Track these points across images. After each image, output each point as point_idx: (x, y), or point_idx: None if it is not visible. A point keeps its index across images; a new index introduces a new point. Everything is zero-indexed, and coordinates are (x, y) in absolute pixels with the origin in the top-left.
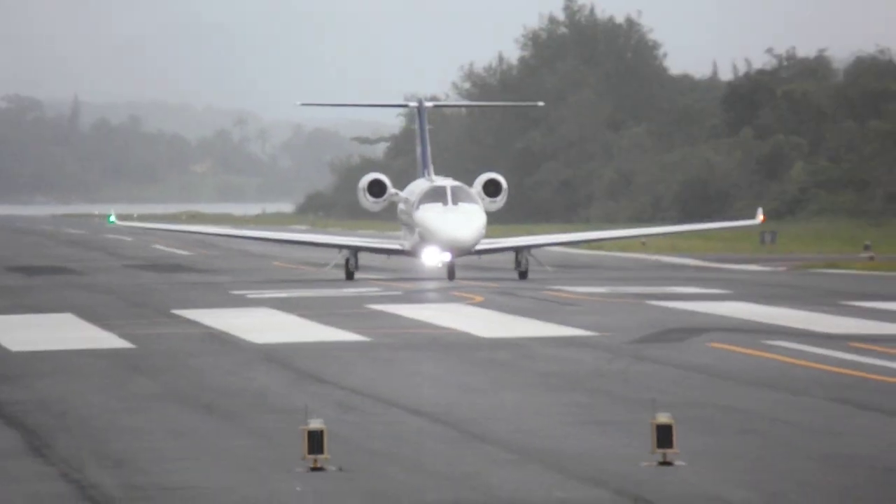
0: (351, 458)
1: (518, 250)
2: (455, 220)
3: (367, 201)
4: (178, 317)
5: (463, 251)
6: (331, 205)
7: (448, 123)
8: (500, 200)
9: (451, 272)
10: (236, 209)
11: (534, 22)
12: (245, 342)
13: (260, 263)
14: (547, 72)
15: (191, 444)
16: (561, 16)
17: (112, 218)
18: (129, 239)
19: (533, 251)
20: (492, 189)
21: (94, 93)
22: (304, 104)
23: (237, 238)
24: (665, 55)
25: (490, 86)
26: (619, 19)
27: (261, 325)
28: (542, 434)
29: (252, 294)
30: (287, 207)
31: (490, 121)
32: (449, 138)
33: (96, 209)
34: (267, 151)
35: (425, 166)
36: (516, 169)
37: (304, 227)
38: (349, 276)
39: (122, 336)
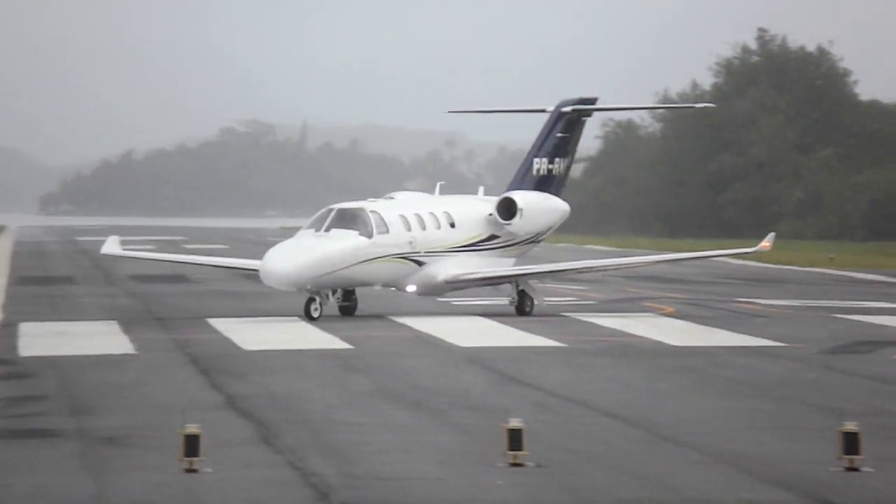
0: (548, 456)
1: (508, 282)
2: (290, 248)
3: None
4: (392, 321)
5: (284, 285)
6: None
7: (643, 145)
8: (517, 223)
9: (307, 309)
10: None
11: (727, 51)
12: (451, 345)
13: None
14: (738, 98)
15: (402, 438)
16: (753, 45)
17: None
18: None
19: (531, 282)
20: (505, 213)
21: (320, 118)
22: (451, 111)
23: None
24: (856, 83)
25: (684, 111)
26: (811, 48)
27: (465, 329)
28: (730, 438)
29: (457, 301)
30: None
31: (683, 143)
32: (644, 158)
33: None
34: (473, 170)
35: (520, 178)
36: (708, 188)
37: None
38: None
39: (342, 338)
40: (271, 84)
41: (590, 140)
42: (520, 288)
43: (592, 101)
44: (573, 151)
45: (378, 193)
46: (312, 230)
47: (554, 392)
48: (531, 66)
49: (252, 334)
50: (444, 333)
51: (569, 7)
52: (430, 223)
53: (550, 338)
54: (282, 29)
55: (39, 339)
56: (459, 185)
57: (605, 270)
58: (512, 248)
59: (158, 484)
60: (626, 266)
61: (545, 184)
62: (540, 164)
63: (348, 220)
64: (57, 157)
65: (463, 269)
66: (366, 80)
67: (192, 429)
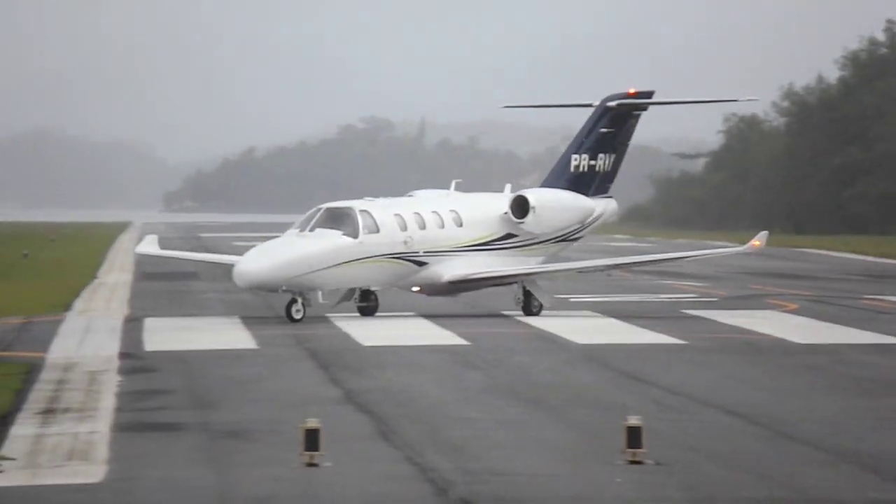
0: (668, 454)
1: (510, 282)
2: (267, 248)
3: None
4: (510, 318)
5: (254, 285)
6: (649, 217)
7: (767, 139)
8: (531, 221)
9: (287, 310)
10: None
11: (854, 43)
12: (568, 342)
13: None
14: (865, 90)
15: (519, 435)
16: (881, 37)
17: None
18: None
19: (540, 282)
20: (518, 211)
21: (439, 115)
22: (506, 106)
23: None
24: None
25: (809, 104)
26: None
27: (584, 326)
28: (855, 436)
29: (574, 298)
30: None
31: (807, 138)
32: (768, 152)
33: None
34: None
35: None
36: (833, 182)
37: (624, 237)
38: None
39: (460, 335)
40: (390, 81)
41: (711, 135)
42: (526, 288)
43: (648, 94)
44: (622, 147)
45: (494, 188)
46: (298, 230)
47: (673, 389)
48: (652, 60)
49: (371, 330)
50: (561, 330)
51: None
52: (432, 222)
53: (670, 335)
54: (402, 26)
55: (164, 334)
56: None
57: (608, 269)
58: (534, 247)
59: (279, 478)
60: (626, 265)
61: (585, 181)
62: (579, 161)
63: (335, 219)
64: (180, 155)
65: (470, 269)
66: (485, 75)
67: (312, 423)
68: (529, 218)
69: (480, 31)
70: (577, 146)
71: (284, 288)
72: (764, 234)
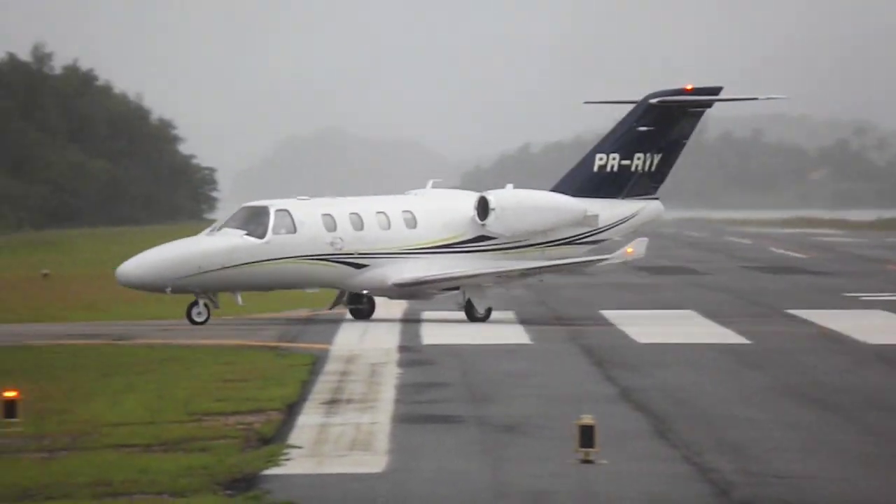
0: None
1: (451, 286)
2: (158, 248)
3: None
4: (793, 316)
5: (131, 285)
6: None
7: None
8: (490, 221)
9: (188, 312)
10: (850, 215)
11: None
12: (858, 342)
13: (874, 267)
14: None
15: (804, 437)
16: None
17: None
18: (747, 242)
19: (486, 287)
20: (483, 213)
21: (723, 108)
22: (587, 102)
23: None
24: None
25: None
26: None
27: (874, 326)
28: None
29: (866, 296)
30: None
31: None
32: None
33: (716, 214)
34: (885, 159)
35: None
36: None
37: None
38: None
39: (739, 332)
40: (667, 70)
41: None
42: (467, 296)
43: (714, 91)
44: (673, 147)
45: (778, 184)
46: (207, 230)
47: None
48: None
49: (645, 327)
50: (850, 330)
51: None
52: (373, 223)
53: None
54: (683, 14)
55: (441, 328)
56: (870, 175)
57: (548, 272)
58: (521, 250)
59: (555, 474)
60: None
61: (613, 181)
62: (606, 160)
63: (246, 219)
64: (461, 153)
65: (422, 272)
66: (773, 65)
67: (587, 420)
68: (490, 219)
69: (768, 17)
70: (608, 145)
71: (171, 289)
72: (642, 240)
